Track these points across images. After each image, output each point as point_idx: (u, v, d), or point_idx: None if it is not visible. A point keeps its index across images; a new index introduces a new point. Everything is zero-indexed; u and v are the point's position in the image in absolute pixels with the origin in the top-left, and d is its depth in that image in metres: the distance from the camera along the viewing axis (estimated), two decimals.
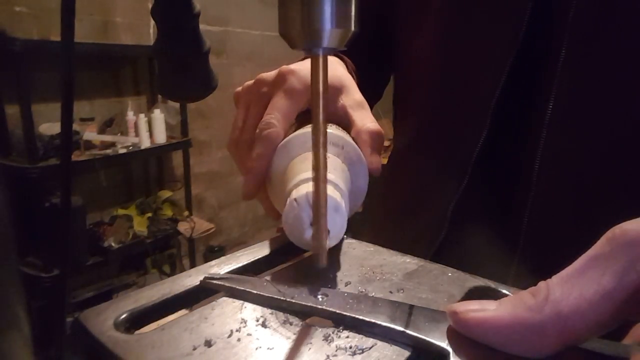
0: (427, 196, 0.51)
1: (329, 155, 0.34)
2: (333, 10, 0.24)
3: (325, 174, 0.28)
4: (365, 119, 0.41)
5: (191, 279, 0.30)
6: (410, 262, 0.33)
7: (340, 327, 0.25)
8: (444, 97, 0.50)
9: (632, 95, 0.39)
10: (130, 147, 2.21)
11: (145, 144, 2.27)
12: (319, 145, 0.26)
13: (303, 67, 0.40)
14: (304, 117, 0.41)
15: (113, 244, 2.15)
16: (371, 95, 0.62)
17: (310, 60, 0.25)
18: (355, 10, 0.25)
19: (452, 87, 0.49)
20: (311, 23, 0.24)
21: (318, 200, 0.27)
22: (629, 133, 0.39)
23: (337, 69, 0.46)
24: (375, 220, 0.63)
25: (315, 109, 0.26)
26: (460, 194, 0.46)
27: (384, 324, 0.24)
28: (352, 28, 0.25)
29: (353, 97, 0.43)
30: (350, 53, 0.50)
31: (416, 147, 0.55)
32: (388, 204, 0.61)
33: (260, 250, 0.35)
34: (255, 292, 0.27)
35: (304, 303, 0.26)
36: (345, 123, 0.42)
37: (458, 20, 0.48)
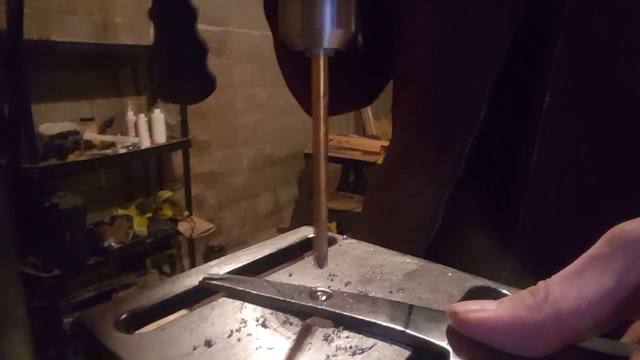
0: (420, 189, 0.51)
1: None
2: (333, 11, 0.24)
3: (326, 175, 0.27)
4: None
5: (191, 279, 0.30)
6: (410, 262, 0.33)
7: (340, 327, 0.25)
8: (437, 87, 0.50)
9: (630, 87, 0.38)
10: (130, 147, 2.20)
11: (145, 144, 2.26)
12: (319, 146, 0.26)
13: None
14: None
15: (113, 244, 2.15)
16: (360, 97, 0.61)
17: (311, 60, 0.25)
18: (356, 10, 0.25)
19: (446, 77, 0.48)
20: (311, 23, 0.24)
21: (318, 200, 0.27)
22: (628, 127, 0.39)
23: None
24: (370, 215, 0.62)
25: (316, 109, 0.26)
26: (453, 185, 0.45)
27: (384, 323, 0.24)
28: (352, 29, 0.25)
29: None
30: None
31: (410, 140, 0.54)
32: (382, 198, 0.60)
33: (260, 250, 0.35)
34: (254, 292, 0.27)
35: (304, 303, 0.26)
36: None
37: (451, 12, 0.48)
